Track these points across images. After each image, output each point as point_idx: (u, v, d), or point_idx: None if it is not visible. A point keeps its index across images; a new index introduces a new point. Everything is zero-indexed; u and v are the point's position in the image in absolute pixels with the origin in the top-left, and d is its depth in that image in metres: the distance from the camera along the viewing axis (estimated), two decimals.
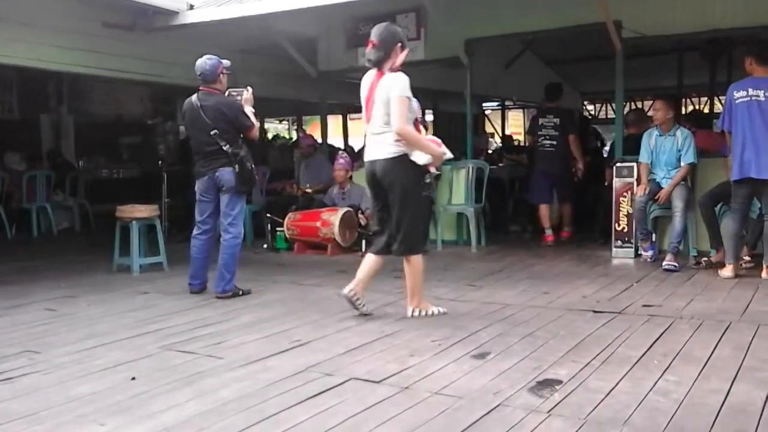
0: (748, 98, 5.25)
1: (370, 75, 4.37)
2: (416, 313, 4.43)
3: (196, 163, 5.29)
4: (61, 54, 6.97)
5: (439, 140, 4.53)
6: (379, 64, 4.28)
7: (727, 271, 5.42)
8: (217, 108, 5.09)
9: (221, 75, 5.20)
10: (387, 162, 4.27)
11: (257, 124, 5.40)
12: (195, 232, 5.35)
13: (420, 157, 4.29)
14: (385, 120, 4.25)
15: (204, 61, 5.15)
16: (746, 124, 5.25)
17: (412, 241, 4.38)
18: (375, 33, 4.28)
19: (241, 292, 5.21)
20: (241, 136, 5.20)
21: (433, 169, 4.58)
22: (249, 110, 5.21)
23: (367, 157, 4.42)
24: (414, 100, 4.35)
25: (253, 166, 5.24)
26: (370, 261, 4.46)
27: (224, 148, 5.08)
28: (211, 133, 5.07)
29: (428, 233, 7.29)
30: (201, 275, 5.36)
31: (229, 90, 5.26)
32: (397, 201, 4.30)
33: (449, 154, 4.53)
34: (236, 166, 5.09)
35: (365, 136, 4.46)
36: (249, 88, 5.30)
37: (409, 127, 4.23)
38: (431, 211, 7.31)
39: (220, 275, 5.17)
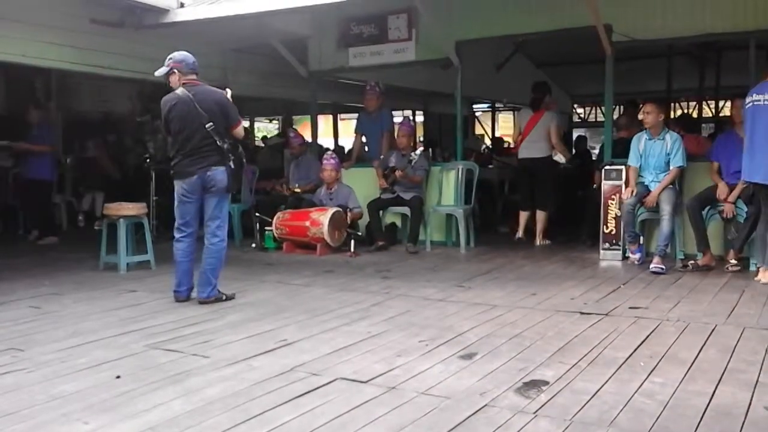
0: (751, 103, 5.33)
1: (529, 111, 7.73)
2: (544, 242, 7.53)
3: (178, 162, 4.91)
4: (48, 50, 6.87)
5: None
6: (535, 107, 7.65)
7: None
8: (210, 99, 4.84)
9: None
10: (543, 159, 7.62)
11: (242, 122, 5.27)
12: (178, 235, 5.00)
13: (560, 158, 8.26)
14: (543, 136, 7.52)
15: (185, 54, 4.99)
16: (749, 129, 5.35)
17: (552, 203, 7.71)
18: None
19: (224, 297, 4.98)
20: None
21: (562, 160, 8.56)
22: None
23: (526, 155, 7.61)
24: None
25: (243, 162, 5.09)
26: (526, 216, 7.69)
27: (218, 143, 4.81)
28: (207, 126, 4.76)
29: None
30: (187, 281, 5.03)
31: None
32: (548, 181, 7.61)
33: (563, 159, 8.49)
34: (231, 164, 4.84)
35: (518, 142, 7.81)
36: (228, 90, 5.08)
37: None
38: None
39: (206, 280, 4.91)
